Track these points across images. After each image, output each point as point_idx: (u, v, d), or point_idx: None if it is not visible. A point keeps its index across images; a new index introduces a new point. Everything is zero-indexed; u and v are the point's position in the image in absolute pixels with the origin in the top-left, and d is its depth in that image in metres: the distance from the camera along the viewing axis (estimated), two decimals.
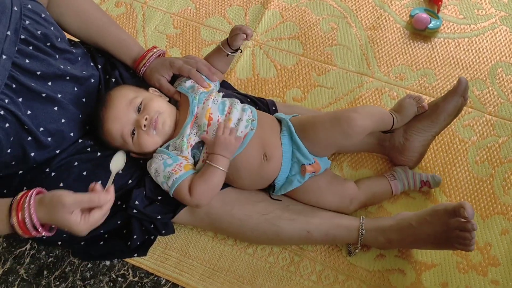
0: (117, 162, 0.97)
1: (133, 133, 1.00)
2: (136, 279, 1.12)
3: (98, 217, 0.82)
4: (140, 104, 1.01)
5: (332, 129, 1.04)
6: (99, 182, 0.99)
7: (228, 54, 1.13)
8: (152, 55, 1.14)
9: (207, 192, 0.98)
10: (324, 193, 1.11)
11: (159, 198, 1.04)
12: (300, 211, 1.09)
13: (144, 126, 0.99)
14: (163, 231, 1.09)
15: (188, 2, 1.61)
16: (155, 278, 1.12)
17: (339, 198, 1.13)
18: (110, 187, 0.85)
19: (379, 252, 1.13)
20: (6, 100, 0.88)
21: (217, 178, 0.98)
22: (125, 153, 1.02)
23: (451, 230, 0.98)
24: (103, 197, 0.82)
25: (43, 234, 0.82)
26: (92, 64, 1.13)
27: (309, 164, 1.05)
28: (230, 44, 1.11)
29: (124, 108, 1.00)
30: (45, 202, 0.81)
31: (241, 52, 1.16)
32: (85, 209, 0.81)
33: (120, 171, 0.98)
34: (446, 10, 1.54)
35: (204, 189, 0.97)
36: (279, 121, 1.11)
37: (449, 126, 1.21)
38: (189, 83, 1.09)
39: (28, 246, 1.17)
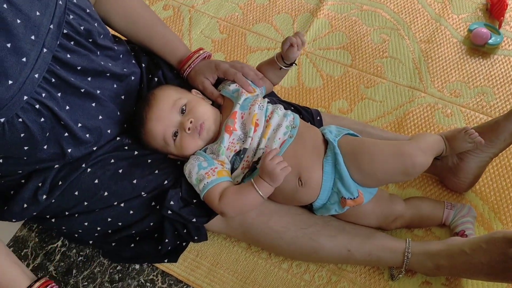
0: None
1: (175, 135, 0.97)
2: (165, 286, 1.08)
3: None
4: (185, 105, 0.98)
5: (395, 167, 0.94)
6: (134, 181, 0.98)
7: (281, 68, 1.07)
8: (198, 56, 1.11)
9: (234, 206, 0.93)
10: (368, 216, 1.04)
11: (194, 201, 1.00)
12: (342, 228, 1.02)
13: (189, 129, 0.95)
14: (196, 237, 1.05)
15: (235, 8, 1.58)
16: (185, 287, 1.08)
17: (383, 218, 1.05)
18: None
19: (424, 278, 1.04)
20: (43, 94, 0.86)
21: (252, 199, 0.92)
22: None
23: (510, 261, 0.88)
24: None
25: None
26: (134, 62, 1.12)
27: (351, 199, 0.95)
28: (285, 57, 1.04)
29: (168, 109, 0.97)
30: None
31: (295, 65, 1.08)
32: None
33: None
34: (508, 26, 1.45)
35: (233, 201, 0.92)
36: (326, 139, 1.00)
37: (509, 147, 1.11)
38: (233, 86, 1.05)
39: (59, 243, 1.15)
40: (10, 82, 0.79)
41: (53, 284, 0.94)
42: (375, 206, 1.04)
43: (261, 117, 0.98)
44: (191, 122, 0.96)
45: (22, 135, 0.86)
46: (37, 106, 0.86)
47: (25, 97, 0.83)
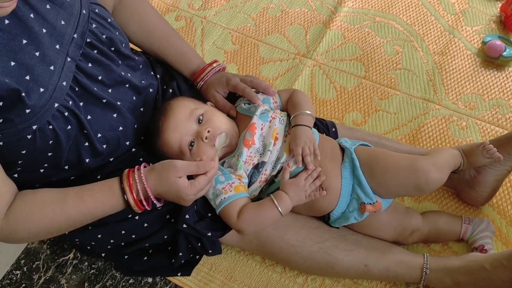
0: (221, 139, 0.95)
1: (191, 145, 0.96)
2: None
3: (203, 182, 0.86)
4: (201, 115, 0.97)
5: (407, 181, 0.93)
6: None
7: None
8: (211, 69, 1.11)
9: (253, 224, 0.92)
10: (384, 227, 1.03)
11: (209, 215, 0.98)
12: (358, 242, 1.01)
13: (206, 138, 0.94)
14: (210, 251, 1.03)
15: (248, 19, 1.58)
16: None
17: (400, 231, 1.04)
18: (215, 157, 0.90)
19: None
20: (70, 102, 0.86)
21: (270, 216, 0.91)
22: (227, 134, 0.97)
23: None
24: (208, 164, 0.87)
25: (157, 205, 0.89)
26: (152, 73, 1.11)
27: (370, 204, 0.95)
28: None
29: (185, 118, 0.96)
30: (156, 168, 0.87)
31: None
32: (192, 173, 0.86)
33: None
34: None
35: (252, 220, 0.91)
36: (342, 148, 1.01)
37: None
38: (247, 106, 1.04)
39: (71, 255, 1.14)
40: (41, 89, 0.79)
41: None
42: (392, 218, 1.03)
43: (281, 131, 0.97)
44: (208, 132, 0.95)
45: (50, 142, 0.86)
46: (66, 114, 0.86)
47: (56, 105, 0.83)
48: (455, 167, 1.02)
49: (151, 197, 0.86)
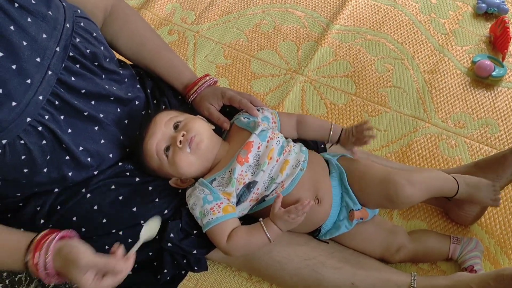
0: (150, 230, 0.92)
1: (167, 150, 0.95)
2: None
3: (109, 284, 0.79)
4: (180, 122, 0.97)
5: (379, 191, 0.95)
6: (134, 208, 0.96)
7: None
8: (204, 82, 1.10)
9: (243, 249, 0.93)
10: (371, 239, 1.03)
11: (195, 232, 0.97)
12: (346, 260, 1.00)
13: (180, 142, 0.93)
14: (196, 268, 1.02)
15: (240, 34, 1.59)
16: None
17: (385, 246, 1.04)
18: (132, 255, 0.82)
19: None
20: (46, 117, 0.85)
21: (260, 243, 0.92)
22: (160, 220, 0.95)
23: None
24: (120, 264, 0.80)
25: (55, 281, 0.82)
26: (138, 86, 1.11)
27: (358, 210, 0.98)
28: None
29: (162, 125, 0.96)
30: (63, 254, 0.80)
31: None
32: (100, 271, 0.79)
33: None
34: None
35: (242, 245, 0.92)
36: (327, 161, 1.04)
37: None
38: (247, 119, 1.04)
39: None
40: (13, 103, 0.78)
41: (58, 233, 0.84)
42: (378, 229, 1.04)
43: (275, 152, 0.97)
44: (183, 136, 0.94)
45: (22, 157, 0.84)
46: (40, 129, 0.84)
47: (28, 119, 0.82)
48: (440, 191, 1.00)
49: (53, 275, 0.81)
